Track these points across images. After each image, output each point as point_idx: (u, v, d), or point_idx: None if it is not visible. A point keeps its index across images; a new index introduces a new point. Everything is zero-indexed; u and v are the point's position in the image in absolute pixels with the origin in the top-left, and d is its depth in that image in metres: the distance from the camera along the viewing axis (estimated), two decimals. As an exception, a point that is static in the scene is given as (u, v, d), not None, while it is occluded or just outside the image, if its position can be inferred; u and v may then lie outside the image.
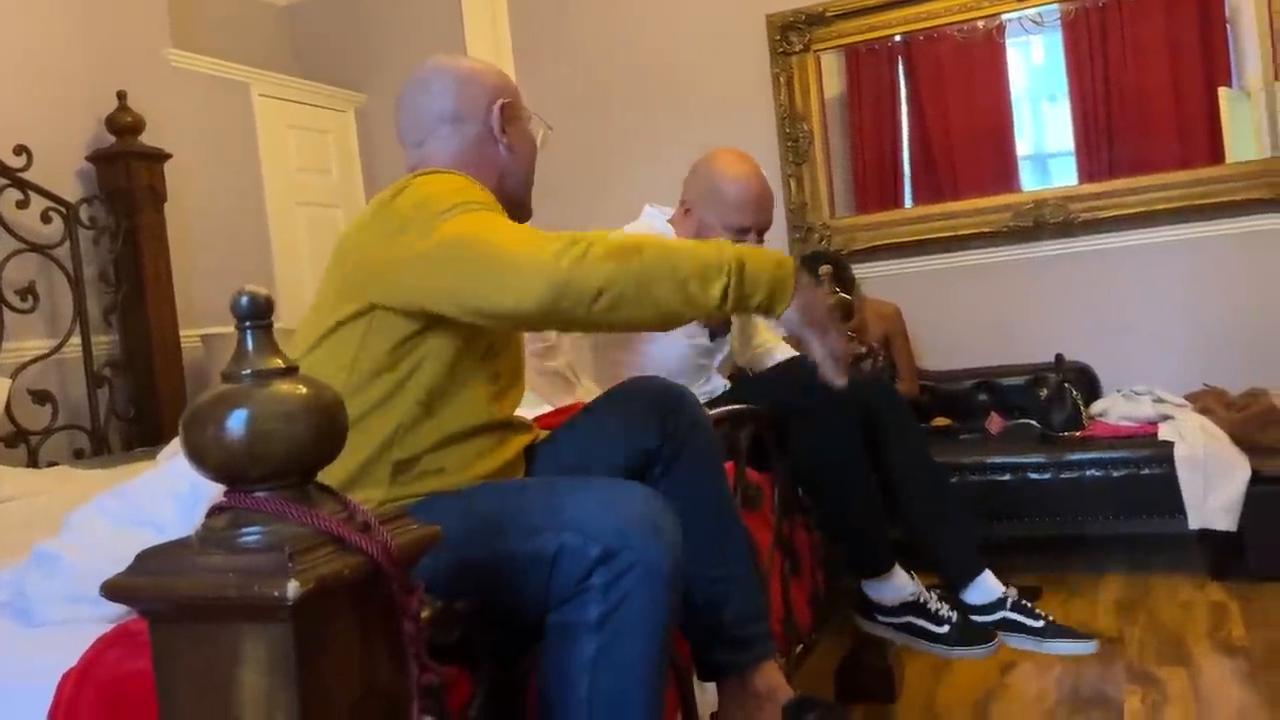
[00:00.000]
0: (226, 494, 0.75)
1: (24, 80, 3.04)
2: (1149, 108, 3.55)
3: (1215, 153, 3.45)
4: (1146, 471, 2.98)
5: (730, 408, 1.71)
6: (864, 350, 2.57)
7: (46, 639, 1.12)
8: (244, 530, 0.73)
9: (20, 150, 2.92)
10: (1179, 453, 2.93)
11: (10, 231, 2.92)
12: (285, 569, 0.69)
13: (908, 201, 3.88)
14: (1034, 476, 3.09)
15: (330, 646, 0.73)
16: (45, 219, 3.01)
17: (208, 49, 3.76)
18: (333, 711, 0.73)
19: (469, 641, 1.01)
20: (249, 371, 0.74)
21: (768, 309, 1.25)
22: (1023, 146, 3.83)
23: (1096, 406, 3.33)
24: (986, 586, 1.94)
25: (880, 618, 1.94)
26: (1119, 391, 3.33)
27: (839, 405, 1.85)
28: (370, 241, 1.25)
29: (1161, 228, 3.44)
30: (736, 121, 3.80)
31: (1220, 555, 2.94)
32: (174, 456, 1.58)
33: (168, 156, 3.28)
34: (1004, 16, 3.65)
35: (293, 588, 0.68)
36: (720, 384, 2.16)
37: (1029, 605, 1.92)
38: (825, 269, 2.33)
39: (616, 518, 1.05)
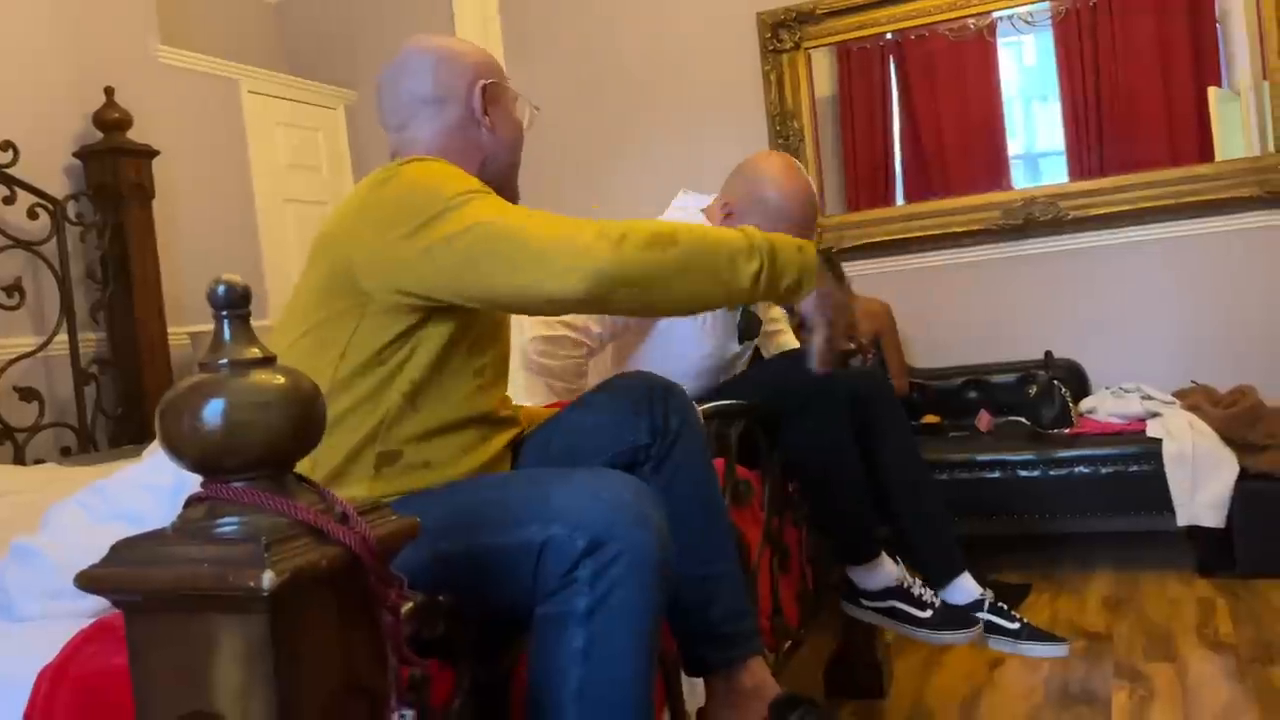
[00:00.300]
0: (203, 484, 0.74)
1: (11, 76, 3.02)
2: (1139, 107, 3.56)
3: (1205, 151, 3.46)
4: (1135, 468, 2.99)
5: (721, 403, 1.71)
6: (854, 347, 2.58)
7: (24, 635, 1.11)
8: (220, 521, 0.72)
9: (7, 146, 2.90)
10: (1167, 450, 2.94)
11: (-4, 228, 2.91)
12: (261, 559, 0.68)
13: (898, 199, 3.88)
14: (1023, 474, 3.10)
15: (308, 638, 0.73)
16: (32, 215, 2.99)
17: (196, 45, 3.74)
18: (310, 703, 0.72)
19: (452, 635, 1.00)
20: (226, 361, 0.73)
21: (794, 293, 1.28)
22: (1013, 146, 3.84)
23: (1085, 404, 3.33)
24: (965, 588, 1.95)
25: (864, 602, 1.96)
26: (1108, 389, 3.34)
27: (832, 394, 1.87)
28: (363, 235, 1.21)
29: (1151, 226, 3.45)
30: (727, 119, 3.80)
31: (1208, 552, 2.95)
32: (154, 450, 1.57)
33: (156, 153, 3.27)
34: (995, 15, 3.65)
35: (269, 578, 0.67)
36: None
37: (1005, 608, 1.95)
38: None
39: (602, 507, 1.04)
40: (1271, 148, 3.30)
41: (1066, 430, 3.21)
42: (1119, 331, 3.50)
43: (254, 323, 0.77)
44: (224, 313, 0.75)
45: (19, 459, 2.87)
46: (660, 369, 1.48)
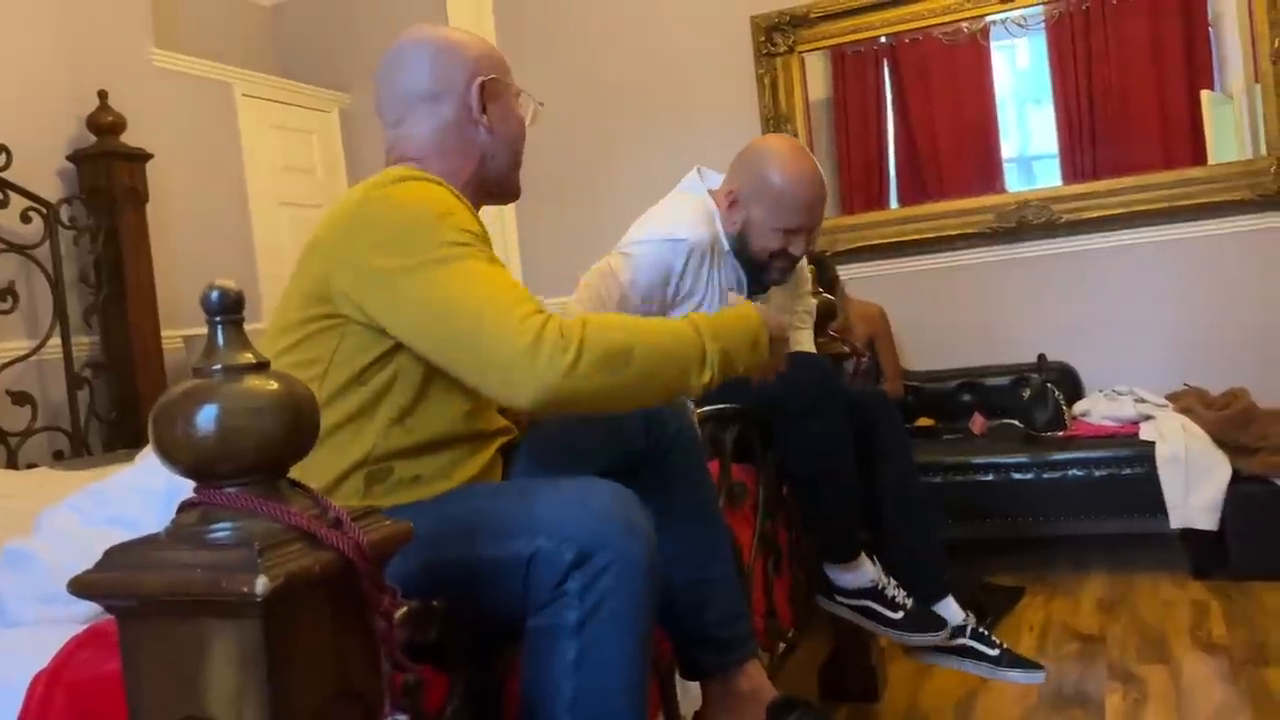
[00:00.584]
0: (196, 489, 0.74)
1: (4, 79, 3.02)
2: (1132, 110, 3.57)
3: (1198, 154, 3.47)
4: (1128, 471, 2.99)
5: (716, 406, 1.71)
6: (848, 351, 2.58)
7: (18, 640, 1.10)
8: (214, 526, 0.72)
9: (0, 149, 2.90)
10: (1160, 452, 2.94)
11: (-11, 231, 2.90)
12: (254, 565, 0.68)
13: (892, 203, 3.88)
14: (1017, 476, 3.10)
15: (301, 643, 0.73)
16: (25, 219, 2.98)
17: (190, 48, 3.73)
18: (304, 709, 0.72)
19: (445, 642, 1.00)
20: (219, 366, 0.73)
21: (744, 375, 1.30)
22: (1007, 149, 3.84)
23: (1079, 406, 3.34)
24: (949, 611, 1.97)
25: (839, 598, 1.97)
26: (1101, 392, 3.35)
27: (836, 397, 1.88)
28: (343, 253, 1.17)
29: (1143, 229, 3.46)
30: (721, 123, 3.80)
31: (1201, 554, 2.96)
32: (147, 454, 1.56)
33: (149, 156, 3.26)
34: (988, 19, 3.66)
35: (262, 583, 0.67)
36: None
37: (986, 633, 1.97)
38: (810, 268, 2.34)
39: (590, 518, 1.04)
40: (1264, 151, 3.31)
41: (1060, 433, 3.21)
42: (1112, 334, 3.51)
43: (247, 326, 0.77)
44: (217, 318, 0.75)
45: (12, 463, 2.86)
46: None
